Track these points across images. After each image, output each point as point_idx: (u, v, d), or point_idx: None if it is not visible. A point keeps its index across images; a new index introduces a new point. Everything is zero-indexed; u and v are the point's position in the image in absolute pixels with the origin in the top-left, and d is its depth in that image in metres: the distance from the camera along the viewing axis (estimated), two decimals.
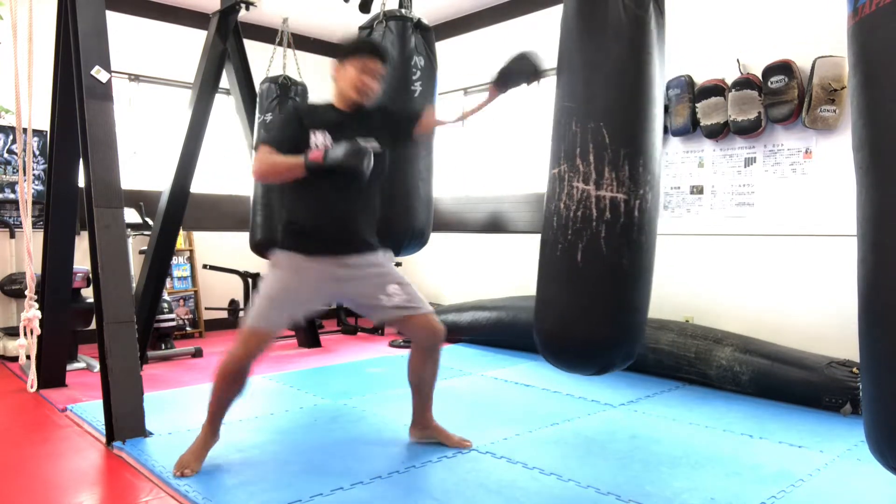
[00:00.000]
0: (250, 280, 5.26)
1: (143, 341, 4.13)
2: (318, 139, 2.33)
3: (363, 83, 2.38)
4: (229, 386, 2.37)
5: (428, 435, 2.70)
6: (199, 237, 5.69)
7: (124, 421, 2.71)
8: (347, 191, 2.39)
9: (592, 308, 1.90)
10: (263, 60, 4.44)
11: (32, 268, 3.47)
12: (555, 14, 5.38)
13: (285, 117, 2.62)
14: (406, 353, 4.75)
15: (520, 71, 2.29)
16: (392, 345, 5.06)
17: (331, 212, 2.40)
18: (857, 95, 1.26)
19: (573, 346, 1.96)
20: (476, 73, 5.68)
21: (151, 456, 2.52)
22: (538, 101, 5.24)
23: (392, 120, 2.53)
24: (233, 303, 5.43)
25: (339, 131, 2.35)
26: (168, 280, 5.25)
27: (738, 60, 3.90)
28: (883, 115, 1.20)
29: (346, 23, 5.53)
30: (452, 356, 4.48)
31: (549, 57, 5.26)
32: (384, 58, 2.46)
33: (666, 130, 4.21)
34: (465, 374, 4.03)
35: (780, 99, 3.65)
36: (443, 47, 5.09)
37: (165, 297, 4.74)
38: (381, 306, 2.49)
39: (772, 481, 2.35)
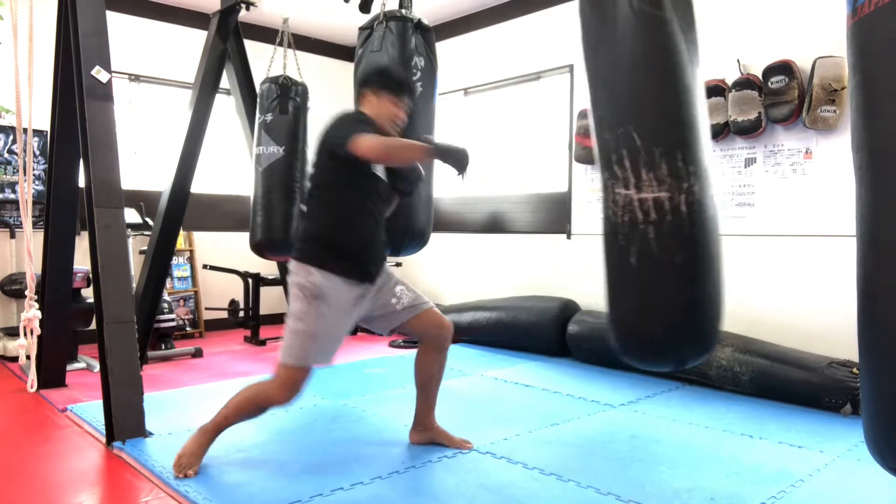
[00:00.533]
0: (250, 280, 5.26)
1: (143, 341, 4.12)
2: None
3: (401, 119, 2.47)
4: (254, 412, 2.43)
5: (429, 437, 2.70)
6: (199, 237, 5.69)
7: (124, 421, 2.71)
8: (384, 208, 2.44)
9: (651, 308, 1.89)
10: (264, 60, 4.45)
11: (32, 268, 3.48)
12: (554, 14, 5.38)
13: (359, 118, 2.36)
14: (405, 353, 4.76)
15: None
16: (392, 345, 5.06)
17: (374, 232, 2.40)
18: (856, 95, 1.26)
19: (638, 347, 1.96)
20: (476, 73, 5.68)
21: (151, 456, 2.52)
22: (538, 102, 5.25)
23: None
24: (233, 303, 5.42)
25: None
26: (168, 280, 5.25)
27: (738, 60, 3.90)
28: (883, 115, 1.20)
29: (346, 23, 5.55)
30: (452, 356, 4.43)
31: (547, 57, 5.20)
32: (415, 95, 2.61)
33: None
34: (465, 374, 4.03)
35: (781, 99, 3.64)
36: (443, 47, 5.09)
37: (165, 297, 4.74)
38: (395, 311, 2.50)
39: (772, 481, 2.35)
